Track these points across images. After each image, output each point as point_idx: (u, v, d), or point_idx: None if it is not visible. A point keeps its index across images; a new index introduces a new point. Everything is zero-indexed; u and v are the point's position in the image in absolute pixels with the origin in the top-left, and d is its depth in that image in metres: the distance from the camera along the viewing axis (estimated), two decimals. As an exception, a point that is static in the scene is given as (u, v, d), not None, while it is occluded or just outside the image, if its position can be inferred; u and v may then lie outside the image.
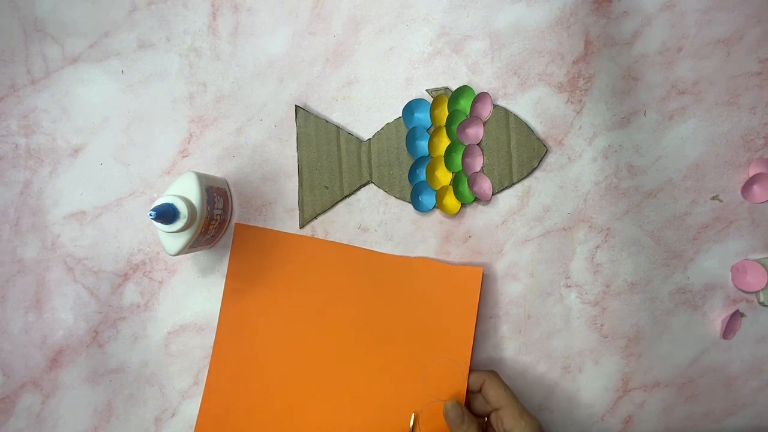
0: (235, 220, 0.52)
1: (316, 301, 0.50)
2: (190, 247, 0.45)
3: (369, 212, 0.52)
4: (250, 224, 0.51)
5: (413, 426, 0.48)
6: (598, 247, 0.52)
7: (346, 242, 0.52)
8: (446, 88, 0.52)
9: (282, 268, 0.51)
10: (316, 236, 0.52)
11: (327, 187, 0.52)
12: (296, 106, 0.52)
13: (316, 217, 0.52)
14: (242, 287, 0.50)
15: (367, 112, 0.52)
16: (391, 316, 0.50)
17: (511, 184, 0.52)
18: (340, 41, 0.52)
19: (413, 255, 0.52)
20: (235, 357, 0.50)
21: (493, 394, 0.46)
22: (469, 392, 0.49)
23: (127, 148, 0.52)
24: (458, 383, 0.48)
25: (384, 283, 0.50)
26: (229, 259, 0.51)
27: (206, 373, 0.51)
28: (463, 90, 0.51)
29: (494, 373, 0.48)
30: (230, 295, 0.50)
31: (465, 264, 0.51)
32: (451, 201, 0.52)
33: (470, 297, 0.50)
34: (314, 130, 0.52)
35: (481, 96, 0.51)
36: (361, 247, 0.51)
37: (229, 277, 0.51)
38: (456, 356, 0.49)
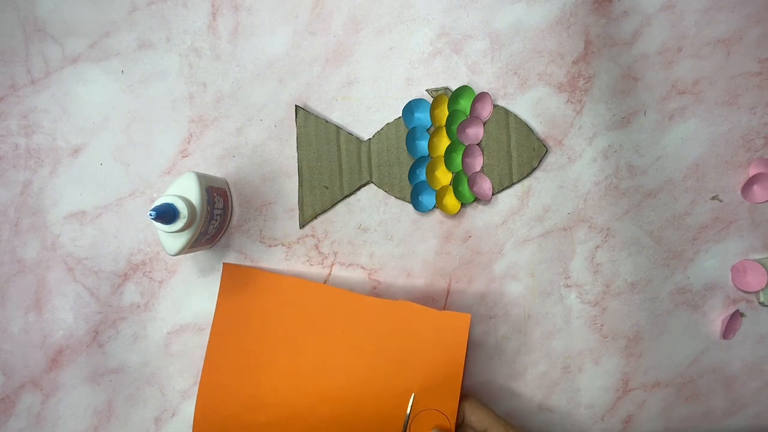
0: (235, 220, 0.52)
1: (302, 342, 0.49)
2: (190, 247, 0.45)
3: (369, 212, 0.52)
4: (238, 264, 0.51)
5: (410, 412, 0.47)
6: (598, 247, 0.52)
7: (346, 242, 0.52)
8: (446, 88, 0.52)
9: (269, 309, 0.50)
10: (315, 236, 0.52)
11: (327, 187, 0.52)
12: (296, 106, 0.52)
13: (316, 217, 0.52)
14: (229, 327, 0.50)
15: (367, 112, 0.52)
16: (376, 360, 0.48)
17: (511, 184, 0.52)
18: (340, 41, 0.52)
19: (413, 254, 0.52)
20: (221, 399, 0.49)
21: (476, 419, 0.46)
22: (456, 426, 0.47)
23: (127, 148, 0.52)
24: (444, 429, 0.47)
25: (369, 326, 0.49)
26: (218, 299, 0.50)
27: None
28: (463, 90, 0.51)
29: (472, 397, 0.47)
30: (217, 334, 0.50)
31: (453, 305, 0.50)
32: (451, 201, 0.52)
33: (457, 345, 0.47)
34: (314, 130, 0.52)
35: (481, 96, 0.51)
36: (349, 291, 0.50)
37: (217, 316, 0.50)
38: (443, 406, 0.47)
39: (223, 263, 0.51)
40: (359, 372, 0.48)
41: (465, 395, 0.47)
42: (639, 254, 0.52)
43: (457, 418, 0.47)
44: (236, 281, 0.50)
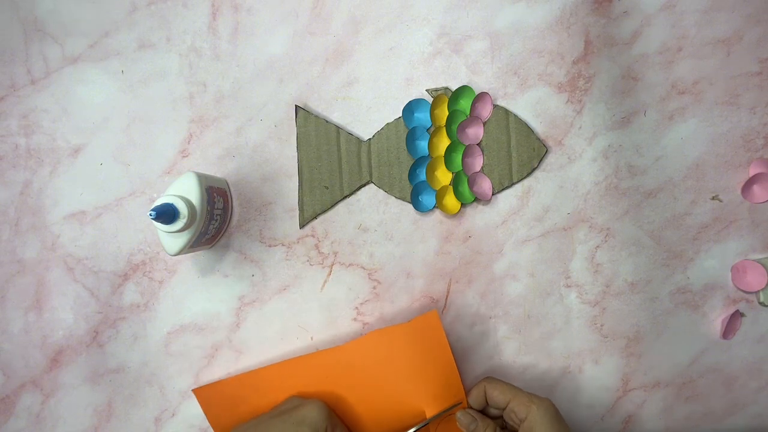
0: (235, 220, 0.52)
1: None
2: (190, 247, 0.45)
3: (369, 212, 0.52)
4: (206, 384, 0.50)
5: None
6: (598, 247, 0.52)
7: (346, 242, 0.52)
8: (446, 88, 0.52)
9: (258, 403, 0.49)
10: (315, 236, 0.52)
11: (327, 187, 0.52)
12: (296, 106, 0.52)
13: (316, 217, 0.52)
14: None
15: (367, 112, 0.52)
16: (376, 396, 0.48)
17: (511, 184, 0.52)
18: (340, 41, 0.52)
19: (413, 254, 0.52)
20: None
21: (497, 394, 0.46)
22: (479, 409, 0.48)
23: (127, 148, 0.52)
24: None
25: (355, 371, 0.48)
26: (209, 422, 0.50)
27: (206, 374, 0.51)
28: (463, 90, 0.51)
29: (489, 378, 0.48)
30: None
31: (416, 312, 0.51)
32: (451, 201, 0.52)
33: (438, 341, 0.48)
34: (314, 130, 0.52)
35: (481, 96, 0.51)
36: (314, 352, 0.50)
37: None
38: (453, 399, 0.48)
39: (192, 390, 0.50)
40: (365, 414, 0.49)
41: (483, 378, 0.48)
42: (639, 254, 0.52)
43: (481, 401, 0.47)
44: (213, 399, 0.50)
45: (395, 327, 0.48)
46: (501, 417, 0.48)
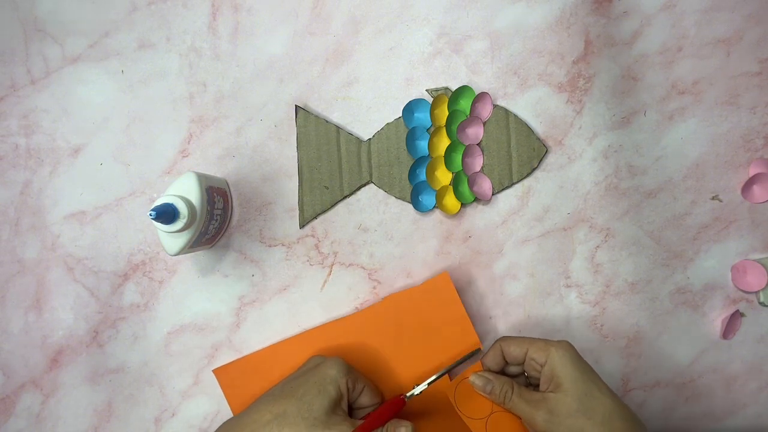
0: (235, 220, 0.52)
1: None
2: (190, 247, 0.45)
3: (369, 212, 0.52)
4: (225, 365, 0.51)
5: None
6: (598, 247, 0.52)
7: (346, 242, 0.52)
8: (446, 88, 0.52)
9: (279, 374, 0.49)
10: (315, 236, 0.52)
11: (327, 187, 0.52)
12: (296, 106, 0.52)
13: (316, 217, 0.52)
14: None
15: (367, 112, 0.52)
16: (397, 357, 0.50)
17: (511, 184, 0.52)
18: (340, 41, 0.52)
19: (413, 254, 0.52)
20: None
21: (514, 348, 0.45)
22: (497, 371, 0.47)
23: (127, 148, 0.52)
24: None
25: (375, 335, 0.50)
26: (227, 401, 0.50)
27: (206, 374, 0.51)
28: (463, 90, 0.51)
29: (503, 337, 0.46)
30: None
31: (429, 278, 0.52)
32: (451, 201, 0.52)
33: (451, 299, 0.50)
34: (314, 130, 0.52)
35: (481, 96, 0.51)
36: (334, 319, 0.51)
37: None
38: (467, 348, 0.50)
39: (213, 370, 0.50)
40: (386, 372, 0.50)
41: (496, 340, 0.47)
42: (639, 254, 0.52)
43: (498, 361, 0.46)
44: (234, 377, 0.50)
45: (409, 290, 0.50)
46: (522, 375, 0.47)
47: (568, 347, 0.43)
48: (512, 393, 0.44)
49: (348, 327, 0.51)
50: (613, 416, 0.40)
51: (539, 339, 0.44)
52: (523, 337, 0.45)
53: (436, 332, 0.50)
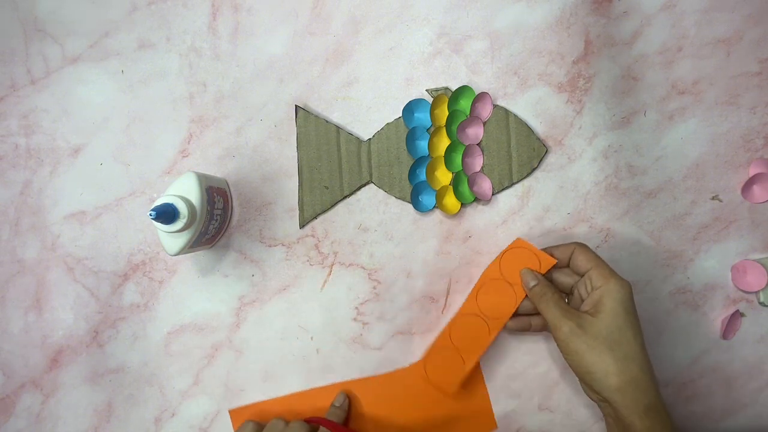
0: (235, 220, 0.52)
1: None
2: (190, 247, 0.45)
3: (369, 212, 0.52)
4: (240, 407, 0.51)
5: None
6: (598, 247, 0.52)
7: (346, 242, 0.52)
8: (446, 88, 0.52)
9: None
10: (315, 236, 0.52)
11: (327, 187, 0.52)
12: (296, 106, 0.52)
13: (316, 217, 0.52)
14: None
15: (367, 112, 0.52)
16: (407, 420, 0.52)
17: (511, 184, 0.52)
18: (340, 41, 0.52)
19: (413, 254, 0.52)
20: None
21: (582, 258, 0.45)
22: (556, 268, 0.47)
23: (127, 148, 0.52)
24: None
25: (389, 400, 0.52)
26: None
27: (206, 374, 0.52)
28: (463, 90, 0.51)
29: (580, 243, 0.46)
30: None
31: None
32: (451, 201, 0.52)
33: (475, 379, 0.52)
34: (314, 130, 0.52)
35: (481, 96, 0.51)
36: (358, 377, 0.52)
37: None
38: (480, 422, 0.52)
39: (229, 410, 0.51)
40: None
41: (577, 242, 0.47)
42: (639, 254, 0.52)
43: (564, 259, 0.47)
44: (247, 419, 0.51)
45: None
46: (569, 291, 0.47)
47: (628, 288, 0.42)
48: (550, 295, 0.44)
49: (365, 387, 0.51)
50: (633, 361, 0.41)
51: (607, 266, 0.44)
52: (596, 255, 0.45)
53: (452, 410, 0.51)
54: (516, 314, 0.48)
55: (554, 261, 0.46)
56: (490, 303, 0.48)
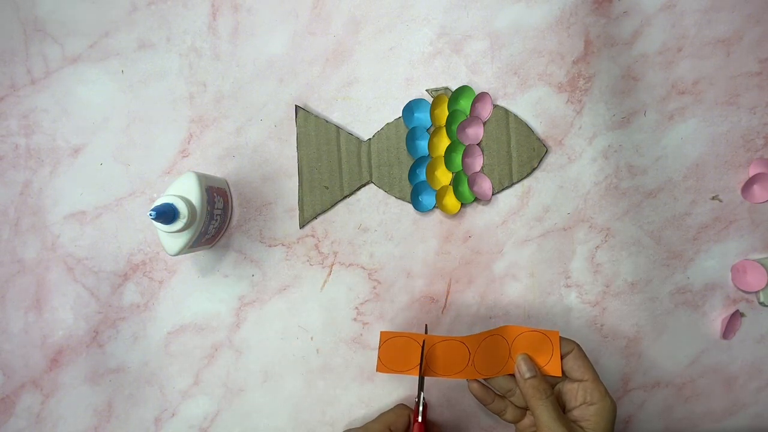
0: (235, 220, 0.52)
1: None
2: (190, 247, 0.45)
3: (369, 212, 0.52)
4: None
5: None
6: (598, 247, 0.52)
7: (346, 242, 0.52)
8: (446, 88, 0.52)
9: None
10: (315, 236, 0.52)
11: (327, 187, 0.52)
12: (296, 106, 0.52)
13: (316, 217, 0.52)
14: None
15: (367, 112, 0.52)
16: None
17: (511, 184, 0.52)
18: (340, 41, 0.52)
19: (413, 254, 0.52)
20: None
21: (580, 365, 0.44)
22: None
23: (127, 148, 0.52)
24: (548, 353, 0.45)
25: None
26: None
27: (206, 374, 0.52)
28: (463, 90, 0.51)
29: (581, 349, 0.45)
30: None
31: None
32: (451, 201, 0.52)
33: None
34: (314, 130, 0.52)
35: (481, 96, 0.51)
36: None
37: None
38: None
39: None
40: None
41: (574, 341, 0.45)
42: (639, 254, 0.52)
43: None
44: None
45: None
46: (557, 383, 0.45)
47: (615, 409, 0.43)
48: (549, 393, 0.43)
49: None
50: None
51: (601, 381, 0.43)
52: (592, 366, 0.44)
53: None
54: (497, 394, 0.46)
55: (560, 374, 0.44)
56: (483, 357, 0.46)
